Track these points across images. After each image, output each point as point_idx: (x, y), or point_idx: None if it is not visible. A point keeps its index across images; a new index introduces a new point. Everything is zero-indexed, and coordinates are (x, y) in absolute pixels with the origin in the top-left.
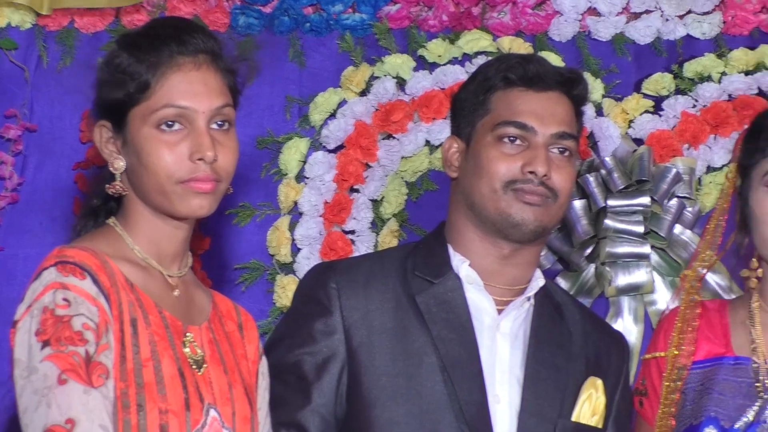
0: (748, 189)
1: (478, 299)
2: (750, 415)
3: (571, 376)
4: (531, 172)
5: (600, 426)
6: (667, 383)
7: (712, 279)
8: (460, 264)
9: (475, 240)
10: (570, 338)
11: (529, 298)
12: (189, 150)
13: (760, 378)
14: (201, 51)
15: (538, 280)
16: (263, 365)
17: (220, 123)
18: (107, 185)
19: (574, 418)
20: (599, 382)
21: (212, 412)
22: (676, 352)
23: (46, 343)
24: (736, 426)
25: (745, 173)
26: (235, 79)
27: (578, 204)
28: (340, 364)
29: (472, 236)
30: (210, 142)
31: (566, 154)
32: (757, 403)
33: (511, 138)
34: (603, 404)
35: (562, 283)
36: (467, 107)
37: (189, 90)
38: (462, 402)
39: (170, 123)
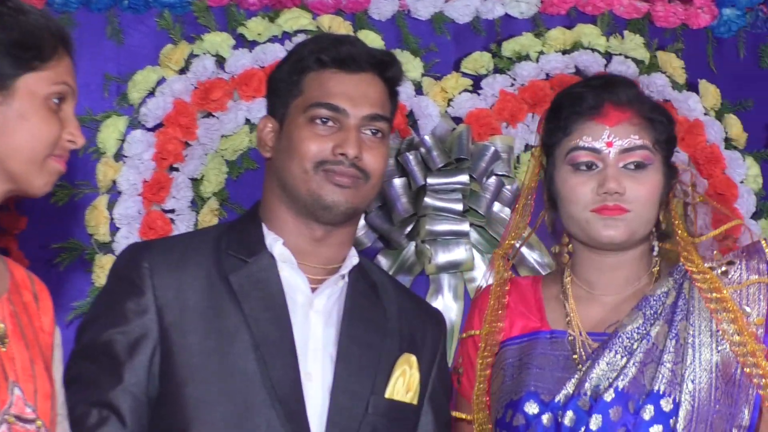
0: (552, 168)
1: (292, 278)
2: (570, 388)
3: (385, 353)
4: (342, 154)
5: (415, 402)
6: (480, 360)
7: (530, 256)
8: (273, 243)
9: (288, 220)
10: (385, 316)
11: (343, 276)
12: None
13: (577, 350)
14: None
15: (352, 259)
16: (57, 336)
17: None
18: None
19: (387, 395)
20: (413, 358)
21: (16, 391)
22: (489, 329)
23: None
24: (556, 399)
25: (549, 152)
26: None
27: (398, 182)
28: (153, 343)
29: (285, 216)
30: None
31: (378, 135)
32: (576, 375)
33: (323, 119)
34: (417, 380)
35: (383, 260)
36: (281, 87)
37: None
38: (274, 380)
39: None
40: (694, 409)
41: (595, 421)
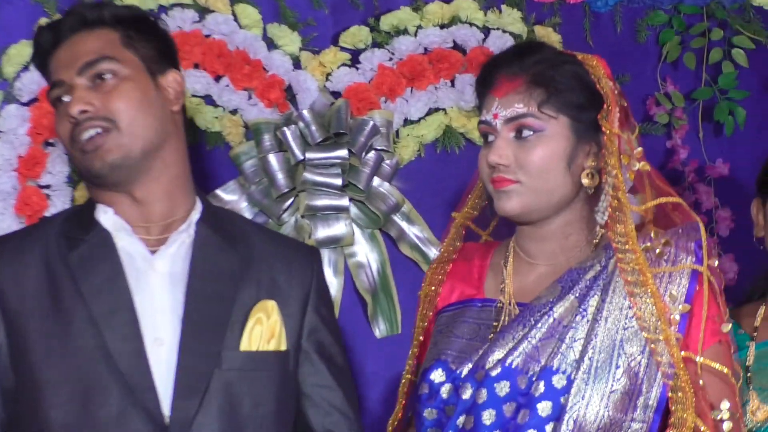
0: None
1: (129, 244)
2: (474, 358)
3: (240, 306)
4: (72, 117)
5: (282, 348)
6: (417, 323)
7: (410, 231)
8: (103, 214)
9: (103, 192)
10: (241, 266)
11: (188, 233)
12: None
13: (501, 318)
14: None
15: (193, 214)
16: None
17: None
18: None
19: (242, 348)
20: (270, 303)
21: None
22: (426, 291)
23: None
24: (458, 370)
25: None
26: None
27: (276, 157)
28: (1, 333)
29: (98, 190)
30: None
31: (107, 77)
32: (485, 345)
33: (59, 99)
34: (279, 325)
35: None
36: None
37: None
38: (114, 352)
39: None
40: (588, 386)
41: (482, 395)
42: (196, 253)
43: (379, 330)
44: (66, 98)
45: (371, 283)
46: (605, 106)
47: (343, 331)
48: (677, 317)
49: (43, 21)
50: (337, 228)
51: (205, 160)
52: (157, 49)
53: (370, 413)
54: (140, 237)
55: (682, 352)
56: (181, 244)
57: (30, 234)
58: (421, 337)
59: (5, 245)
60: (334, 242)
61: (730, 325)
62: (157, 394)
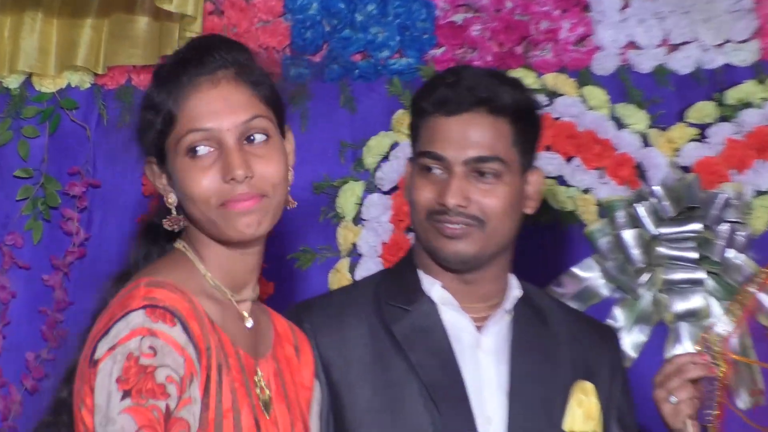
0: None
1: (456, 320)
2: None
3: (559, 384)
4: (442, 204)
5: (599, 431)
6: None
7: None
8: (431, 287)
9: (437, 267)
10: (555, 343)
11: (508, 311)
12: (221, 173)
13: None
14: (220, 67)
15: (515, 291)
16: (317, 390)
17: (251, 137)
18: (164, 219)
19: (566, 428)
20: (588, 385)
21: None
22: None
23: (126, 394)
24: None
25: None
26: (272, 87)
27: (630, 233)
28: (325, 403)
29: (432, 263)
30: (240, 160)
31: (489, 177)
32: None
33: (429, 168)
34: (597, 408)
35: (620, 311)
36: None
37: (208, 110)
38: (446, 429)
39: (198, 148)
40: None
41: None
42: (516, 331)
43: (743, 402)
44: (441, 174)
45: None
46: None
47: None
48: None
49: (400, 113)
50: (694, 301)
51: (560, 238)
52: (535, 142)
53: None
54: (467, 313)
55: None
56: (504, 321)
57: (348, 299)
58: None
59: (324, 311)
60: (691, 315)
61: None
62: None
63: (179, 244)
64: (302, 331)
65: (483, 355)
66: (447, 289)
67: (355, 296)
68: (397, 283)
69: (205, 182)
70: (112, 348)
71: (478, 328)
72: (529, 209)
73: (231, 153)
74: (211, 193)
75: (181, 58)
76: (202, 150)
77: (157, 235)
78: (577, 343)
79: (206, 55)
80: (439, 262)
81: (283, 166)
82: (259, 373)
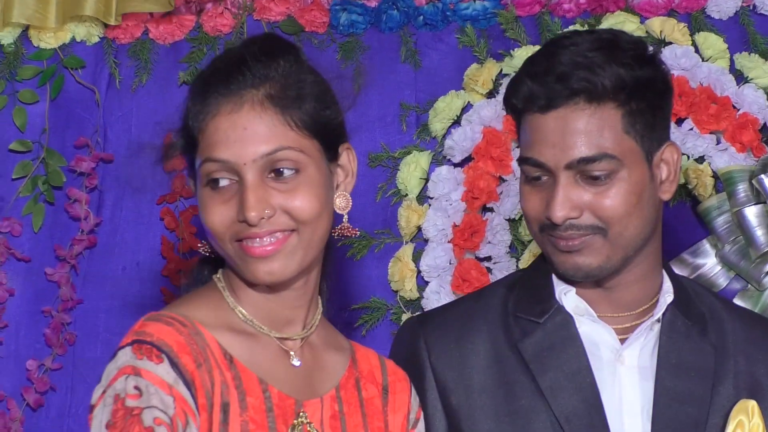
0: None
1: (595, 332)
2: None
3: (717, 405)
4: (548, 218)
5: None
6: None
7: None
8: (564, 294)
9: None
10: (715, 356)
11: (658, 320)
12: (236, 208)
13: None
14: (248, 86)
15: (666, 296)
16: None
17: (280, 170)
18: (199, 244)
19: None
20: (752, 404)
21: None
22: None
23: None
24: None
25: None
26: (317, 105)
27: (753, 210)
28: (440, 429)
29: None
30: (254, 200)
31: (600, 178)
32: None
33: (535, 178)
34: (761, 429)
35: (741, 304)
36: None
37: (227, 139)
38: None
39: (219, 179)
40: None
41: None
42: (665, 343)
43: None
44: (547, 181)
45: None
46: None
47: None
48: None
49: (474, 67)
50: None
51: (667, 218)
52: (660, 116)
53: None
54: (608, 324)
55: None
56: (653, 332)
57: (472, 309)
58: None
59: (442, 326)
60: None
61: None
62: None
63: (217, 275)
64: (402, 371)
65: (625, 371)
66: (583, 297)
67: (479, 308)
68: (528, 291)
69: (218, 218)
70: (103, 392)
71: (622, 341)
72: (667, 194)
73: (246, 190)
74: (224, 228)
75: (213, 71)
76: (223, 182)
77: (210, 261)
78: (747, 354)
79: (235, 72)
80: (562, 278)
81: (316, 201)
82: (303, 415)
